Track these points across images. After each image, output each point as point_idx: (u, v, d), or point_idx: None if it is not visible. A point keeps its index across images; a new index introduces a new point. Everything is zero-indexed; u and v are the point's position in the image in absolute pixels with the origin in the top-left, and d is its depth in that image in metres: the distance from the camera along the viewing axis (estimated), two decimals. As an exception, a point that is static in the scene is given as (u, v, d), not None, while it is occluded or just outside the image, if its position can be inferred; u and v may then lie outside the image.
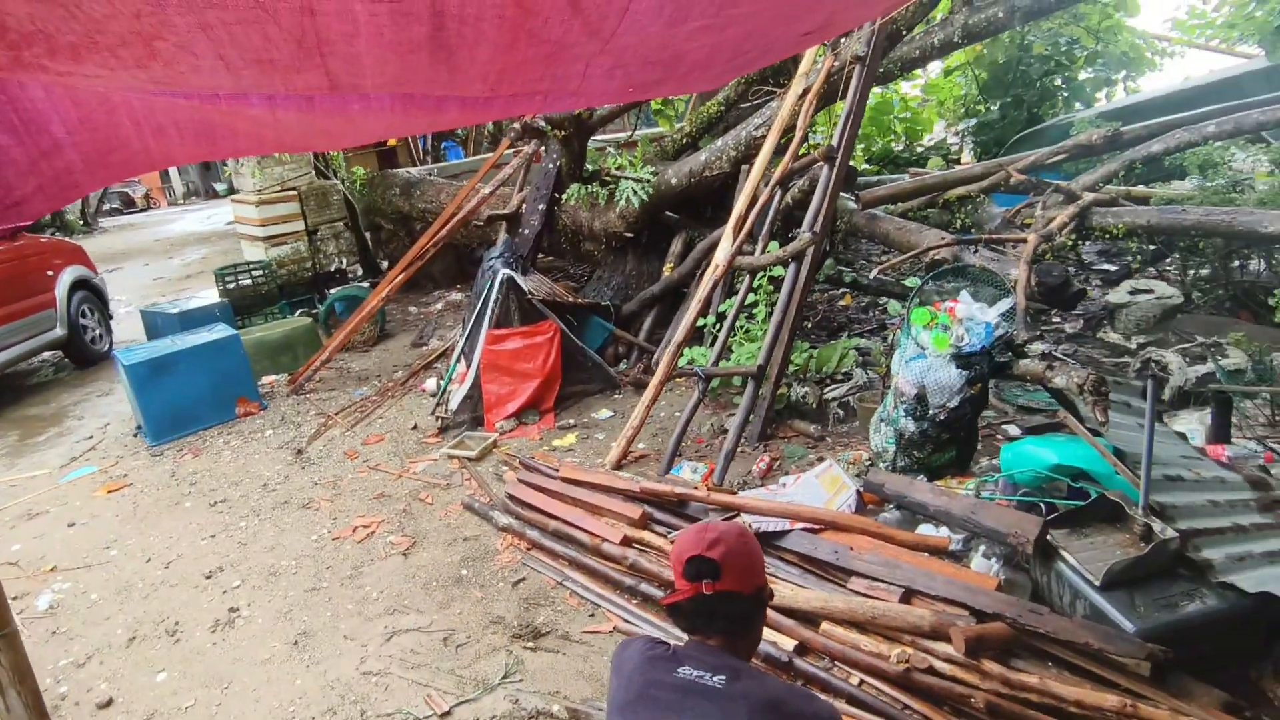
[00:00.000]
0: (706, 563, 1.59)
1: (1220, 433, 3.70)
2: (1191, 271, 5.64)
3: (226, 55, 1.31)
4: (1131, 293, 5.41)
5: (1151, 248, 5.45)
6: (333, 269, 8.95)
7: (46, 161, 1.84)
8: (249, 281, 7.83)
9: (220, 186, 24.22)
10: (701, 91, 5.75)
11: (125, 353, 5.80)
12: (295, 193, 8.49)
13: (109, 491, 5.06)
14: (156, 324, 6.97)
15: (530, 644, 3.27)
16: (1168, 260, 6.19)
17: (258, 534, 4.40)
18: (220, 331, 6.07)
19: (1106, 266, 6.67)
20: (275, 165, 8.37)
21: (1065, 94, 10.41)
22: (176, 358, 5.68)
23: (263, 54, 1.32)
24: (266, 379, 6.66)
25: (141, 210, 22.38)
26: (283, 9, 1.17)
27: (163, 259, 13.94)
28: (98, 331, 7.95)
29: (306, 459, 5.25)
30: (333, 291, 8.39)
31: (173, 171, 24.21)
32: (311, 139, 2.19)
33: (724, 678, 1.50)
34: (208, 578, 4.02)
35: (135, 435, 5.91)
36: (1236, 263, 5.42)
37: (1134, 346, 5.15)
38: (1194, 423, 3.90)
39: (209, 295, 8.02)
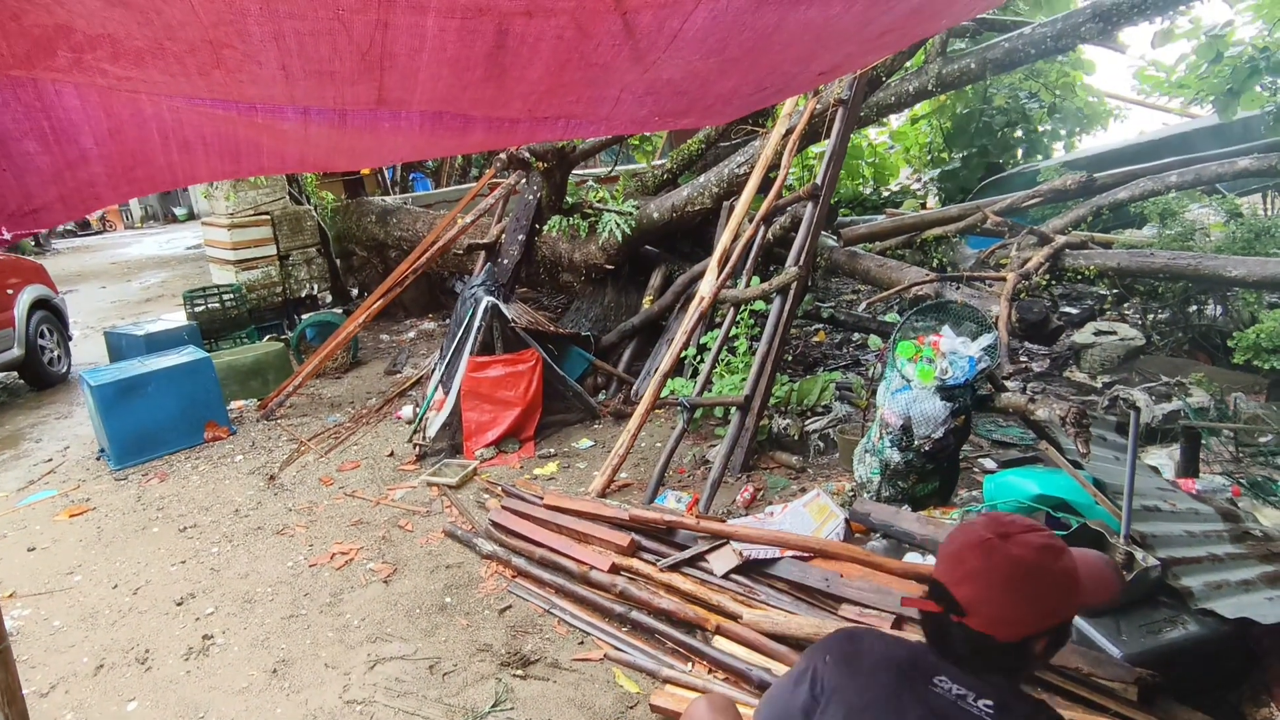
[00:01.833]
0: (948, 597, 1.30)
1: (1190, 466, 3.84)
2: (1151, 315, 5.88)
3: (289, 65, 1.33)
4: (1096, 334, 5.62)
5: (1114, 291, 5.70)
6: (303, 294, 8.85)
7: (71, 172, 1.83)
8: (218, 305, 7.69)
9: (180, 211, 23.82)
10: (720, 124, 5.89)
11: (92, 373, 5.64)
12: (268, 217, 8.42)
13: (71, 516, 4.88)
14: (121, 345, 6.81)
15: (519, 672, 3.23)
16: (1127, 304, 6.44)
17: (231, 560, 4.28)
18: (191, 354, 5.95)
19: (1069, 309, 6.91)
20: (249, 189, 8.31)
21: (1025, 145, 10.86)
22: (146, 379, 5.54)
23: (325, 65, 1.34)
24: (236, 404, 6.53)
25: (97, 233, 21.86)
26: (358, 21, 1.20)
27: (120, 282, 13.63)
28: (56, 353, 7.72)
29: (279, 485, 5.14)
30: (305, 317, 8.29)
31: (131, 194, 23.74)
32: (334, 157, 2.19)
33: (990, 704, 1.24)
34: (179, 604, 3.90)
35: (98, 459, 5.73)
36: (1194, 307, 5.68)
37: (1100, 385, 5.33)
38: (1163, 457, 4.05)
39: (171, 318, 7.87)
